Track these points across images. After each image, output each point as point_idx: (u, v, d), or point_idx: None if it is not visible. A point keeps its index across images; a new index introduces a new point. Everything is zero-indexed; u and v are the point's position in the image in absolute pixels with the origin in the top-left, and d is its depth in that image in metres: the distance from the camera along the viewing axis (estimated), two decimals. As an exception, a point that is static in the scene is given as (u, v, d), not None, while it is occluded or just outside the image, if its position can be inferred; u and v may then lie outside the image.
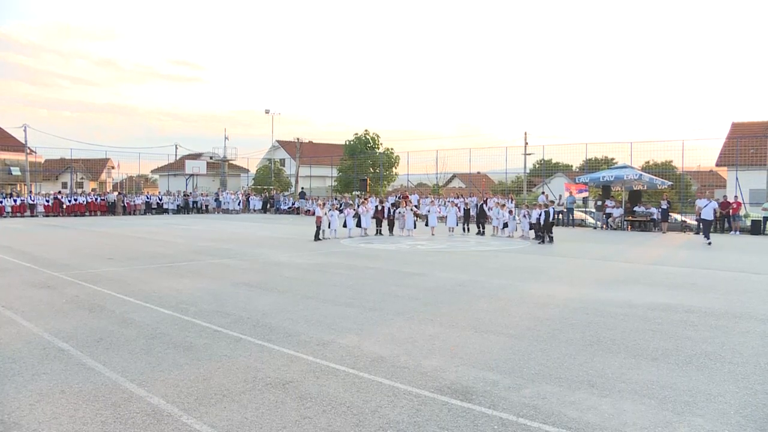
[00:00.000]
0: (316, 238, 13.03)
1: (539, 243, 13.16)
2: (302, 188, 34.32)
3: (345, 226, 14.37)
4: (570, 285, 7.31)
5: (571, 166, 33.76)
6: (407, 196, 24.27)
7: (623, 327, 4.98)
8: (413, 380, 3.59)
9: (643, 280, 7.66)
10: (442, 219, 17.30)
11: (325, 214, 13.38)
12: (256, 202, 31.06)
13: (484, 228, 15.66)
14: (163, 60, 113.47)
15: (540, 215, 13.51)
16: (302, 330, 4.80)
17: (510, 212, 15.12)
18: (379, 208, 15.07)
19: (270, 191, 33.66)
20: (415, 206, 15.57)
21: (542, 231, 13.36)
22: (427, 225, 15.58)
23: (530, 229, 14.20)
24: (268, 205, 31.18)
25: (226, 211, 29.52)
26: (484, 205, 16.06)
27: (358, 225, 14.30)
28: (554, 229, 15.19)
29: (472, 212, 17.11)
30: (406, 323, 5.10)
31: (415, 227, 15.13)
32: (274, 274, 8.15)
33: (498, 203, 16.34)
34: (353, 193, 32.14)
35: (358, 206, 15.52)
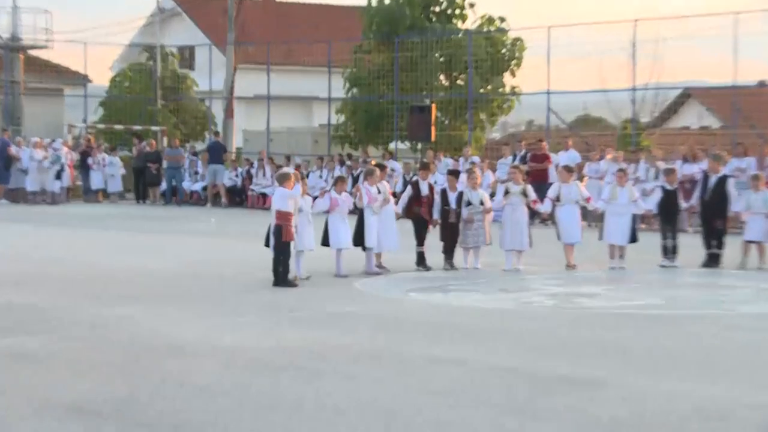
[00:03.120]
0: (282, 277, 13.67)
1: None
2: (215, 130, 35.08)
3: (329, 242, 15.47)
4: None
5: None
6: (549, 156, 23.87)
7: None
8: None
9: None
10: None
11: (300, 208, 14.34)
12: (114, 175, 31.63)
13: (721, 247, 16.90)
14: None
15: None
16: None
17: None
18: (411, 190, 16.39)
19: (153, 137, 34.27)
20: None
21: None
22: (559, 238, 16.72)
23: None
24: (147, 182, 31.85)
25: (19, 197, 30.18)
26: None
27: (358, 243, 15.50)
28: None
29: (656, 198, 17.63)
30: None
31: (488, 242, 16.31)
32: (164, 381, 8.18)
33: None
34: (389, 147, 31.91)
35: (329, 189, 16.60)
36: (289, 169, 14.99)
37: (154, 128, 36.62)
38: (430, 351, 9.33)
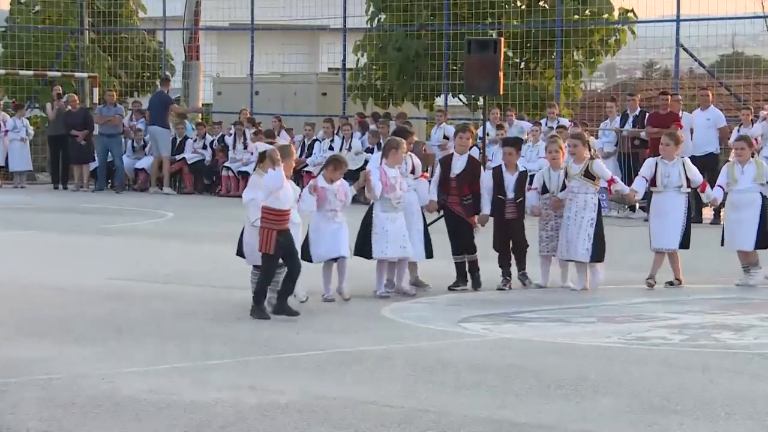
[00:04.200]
0: (262, 303, 14.05)
1: None
2: (165, 76, 35.39)
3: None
4: None
5: None
6: (678, 117, 23.78)
7: None
8: None
9: None
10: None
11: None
12: (19, 145, 32.44)
13: None
14: None
15: None
16: None
17: None
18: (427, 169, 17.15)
19: (78, 89, 35.16)
20: None
21: None
22: None
23: None
24: (71, 157, 32.66)
25: None
26: None
27: (361, 251, 16.25)
28: None
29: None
30: None
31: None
32: None
33: None
34: (437, 104, 31.72)
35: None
36: (282, 141, 14.90)
37: (79, 75, 36.95)
38: (493, 410, 9.15)
